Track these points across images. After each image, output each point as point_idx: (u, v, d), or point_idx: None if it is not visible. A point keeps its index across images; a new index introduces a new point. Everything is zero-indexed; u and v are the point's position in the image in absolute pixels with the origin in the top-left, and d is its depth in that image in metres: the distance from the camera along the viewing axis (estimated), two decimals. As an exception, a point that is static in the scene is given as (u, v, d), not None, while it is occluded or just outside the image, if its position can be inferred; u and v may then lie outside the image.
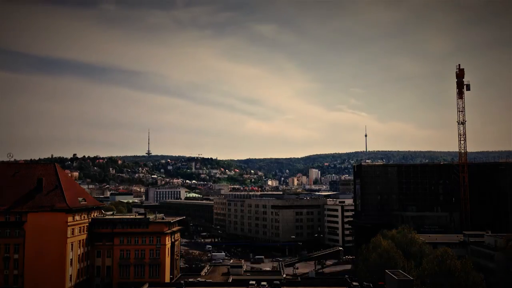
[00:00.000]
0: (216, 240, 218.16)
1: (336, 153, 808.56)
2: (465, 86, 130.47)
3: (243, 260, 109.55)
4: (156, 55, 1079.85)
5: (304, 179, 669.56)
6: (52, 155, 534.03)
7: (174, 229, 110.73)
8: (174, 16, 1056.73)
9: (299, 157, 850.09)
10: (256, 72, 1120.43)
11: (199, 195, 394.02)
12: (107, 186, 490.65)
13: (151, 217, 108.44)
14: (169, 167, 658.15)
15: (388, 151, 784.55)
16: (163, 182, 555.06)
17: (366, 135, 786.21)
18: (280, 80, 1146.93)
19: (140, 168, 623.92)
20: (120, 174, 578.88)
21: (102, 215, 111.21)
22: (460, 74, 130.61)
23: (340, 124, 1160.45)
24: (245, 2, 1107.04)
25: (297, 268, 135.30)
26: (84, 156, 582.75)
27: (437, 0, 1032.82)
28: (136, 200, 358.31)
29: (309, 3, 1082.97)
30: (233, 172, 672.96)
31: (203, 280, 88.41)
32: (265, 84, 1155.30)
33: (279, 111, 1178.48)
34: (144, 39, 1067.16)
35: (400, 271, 63.52)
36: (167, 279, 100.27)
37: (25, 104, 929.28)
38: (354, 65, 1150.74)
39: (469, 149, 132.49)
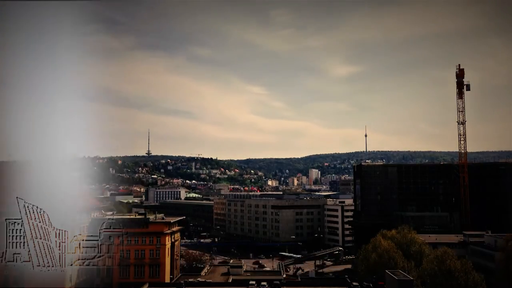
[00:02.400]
0: (216, 240, 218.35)
1: (336, 153, 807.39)
2: (465, 86, 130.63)
3: (243, 260, 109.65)
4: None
5: (304, 179, 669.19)
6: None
7: (174, 229, 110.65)
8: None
9: (299, 157, 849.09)
10: (203, 85, 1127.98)
11: (199, 195, 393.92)
12: (107, 186, 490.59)
13: (151, 217, 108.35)
14: (169, 167, 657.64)
15: (388, 151, 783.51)
16: (163, 182, 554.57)
17: (366, 135, 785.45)
18: (227, 92, 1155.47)
19: (140, 168, 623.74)
20: (120, 174, 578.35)
21: (102, 215, 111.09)
22: (460, 74, 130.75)
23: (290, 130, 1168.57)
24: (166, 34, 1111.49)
25: (297, 268, 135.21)
26: (83, 156, 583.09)
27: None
28: (136, 200, 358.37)
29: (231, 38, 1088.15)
30: (233, 172, 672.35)
31: (203, 280, 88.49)
32: (213, 96, 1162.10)
33: (230, 119, 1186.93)
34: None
35: (400, 271, 63.43)
36: (167, 279, 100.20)
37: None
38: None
39: (469, 149, 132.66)
